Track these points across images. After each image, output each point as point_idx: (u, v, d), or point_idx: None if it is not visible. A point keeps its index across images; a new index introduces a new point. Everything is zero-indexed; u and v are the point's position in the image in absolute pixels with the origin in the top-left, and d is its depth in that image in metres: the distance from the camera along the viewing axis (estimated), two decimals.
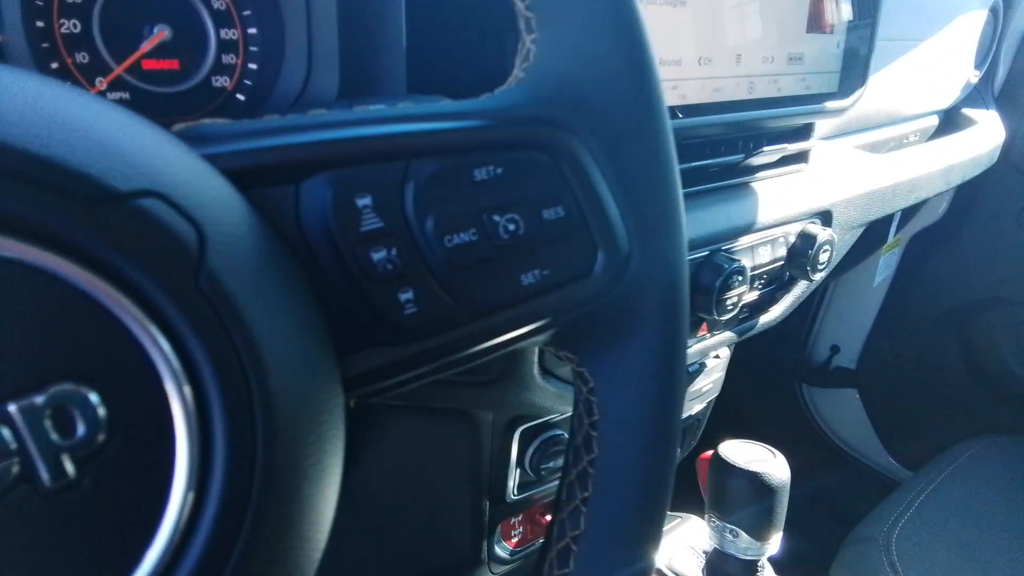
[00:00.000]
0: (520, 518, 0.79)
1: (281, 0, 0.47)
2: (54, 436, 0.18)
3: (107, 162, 0.19)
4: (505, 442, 0.73)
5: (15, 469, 0.17)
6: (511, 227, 0.29)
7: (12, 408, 0.17)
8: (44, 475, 0.18)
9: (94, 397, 0.19)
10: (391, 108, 0.28)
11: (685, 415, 0.95)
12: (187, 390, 0.20)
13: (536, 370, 0.58)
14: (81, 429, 0.18)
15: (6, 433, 0.17)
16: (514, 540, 0.79)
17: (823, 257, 0.77)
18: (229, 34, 0.46)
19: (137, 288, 0.19)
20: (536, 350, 0.58)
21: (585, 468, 0.33)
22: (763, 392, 1.76)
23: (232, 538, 0.20)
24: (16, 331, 0.18)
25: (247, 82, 0.47)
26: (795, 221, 0.77)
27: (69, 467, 0.18)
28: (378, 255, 0.27)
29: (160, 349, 0.19)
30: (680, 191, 0.33)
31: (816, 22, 0.72)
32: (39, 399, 0.18)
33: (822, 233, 0.76)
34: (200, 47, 0.46)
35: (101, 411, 0.19)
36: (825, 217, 0.80)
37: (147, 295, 0.19)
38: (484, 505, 0.75)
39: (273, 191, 0.26)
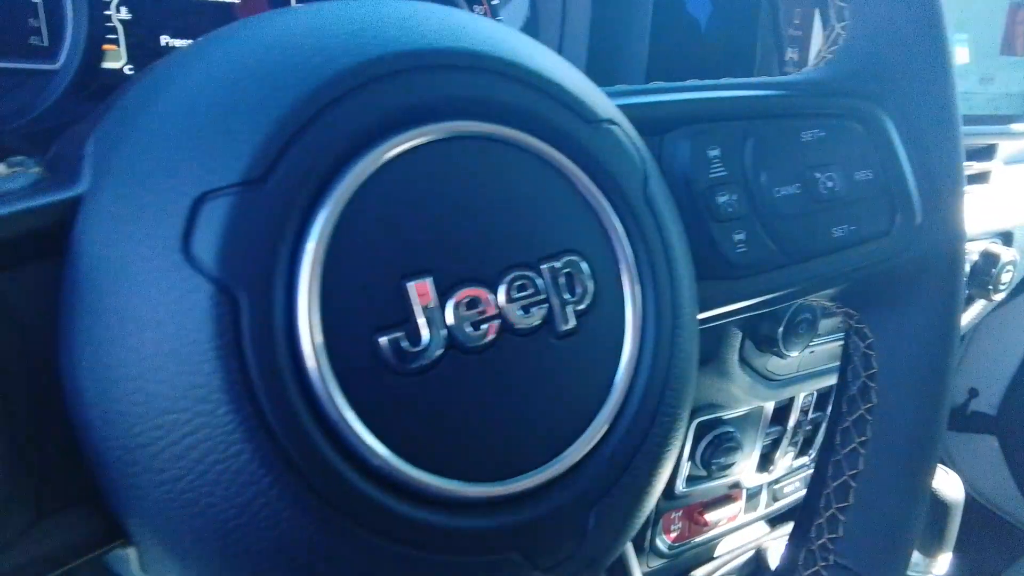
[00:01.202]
0: (680, 513, 0.81)
1: None
2: (566, 294, 0.23)
3: (590, 94, 0.25)
4: None
5: (542, 314, 0.23)
6: (829, 184, 0.33)
7: (544, 267, 0.23)
8: (559, 323, 0.23)
9: (585, 267, 0.24)
10: (731, 81, 0.33)
11: None
12: (634, 272, 0.25)
13: (736, 357, 0.61)
14: (579, 291, 0.23)
15: (540, 283, 0.23)
16: (673, 535, 0.81)
17: (1005, 278, 0.77)
18: (478, 11, 0.53)
19: (608, 190, 0.25)
20: (739, 336, 0.61)
21: (863, 415, 0.36)
22: None
23: (660, 381, 0.25)
24: (545, 211, 0.23)
25: None
26: (975, 239, 0.77)
27: (572, 319, 0.23)
28: (722, 199, 0.31)
29: (619, 238, 0.25)
30: (964, 164, 0.36)
31: (1009, 45, 0.74)
32: (558, 263, 0.23)
33: (1005, 253, 0.76)
34: None
35: (589, 281, 0.24)
36: (1006, 238, 0.80)
37: (613, 197, 0.25)
38: None
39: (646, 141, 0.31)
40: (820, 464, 0.38)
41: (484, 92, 0.22)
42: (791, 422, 0.79)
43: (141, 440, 0.19)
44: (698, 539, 0.84)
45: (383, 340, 0.20)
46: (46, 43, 0.43)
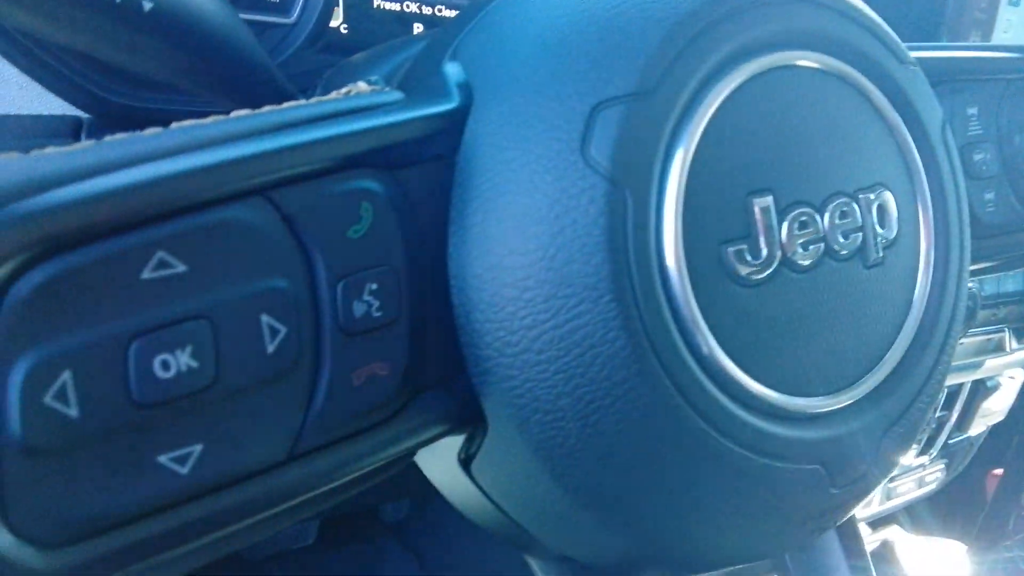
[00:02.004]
0: None
1: None
2: (878, 227, 0.24)
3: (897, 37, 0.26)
4: None
5: (856, 243, 0.24)
6: None
7: (861, 197, 0.24)
8: (871, 252, 0.24)
9: (892, 200, 0.25)
10: (982, 43, 0.33)
11: (962, 436, 0.93)
12: (931, 209, 0.26)
13: None
14: (887, 223, 0.25)
15: (857, 212, 0.24)
16: None
17: None
18: None
19: (913, 129, 0.26)
20: None
21: None
22: None
23: (947, 318, 0.26)
24: (862, 144, 0.24)
25: None
26: None
27: (880, 250, 0.24)
28: (978, 157, 0.32)
29: (921, 175, 0.26)
30: None
31: None
32: (872, 195, 0.24)
33: None
34: None
35: (894, 214, 0.25)
36: None
37: (918, 135, 0.26)
38: None
39: None
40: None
41: (827, 27, 0.24)
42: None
43: (527, 322, 0.20)
44: None
45: (730, 250, 0.22)
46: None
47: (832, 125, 0.24)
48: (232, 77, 0.32)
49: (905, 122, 0.25)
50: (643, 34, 0.21)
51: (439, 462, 0.26)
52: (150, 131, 0.18)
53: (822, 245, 0.23)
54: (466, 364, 0.22)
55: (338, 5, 0.49)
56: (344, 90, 0.24)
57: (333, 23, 0.49)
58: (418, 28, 0.52)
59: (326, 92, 0.37)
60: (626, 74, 0.21)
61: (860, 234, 0.24)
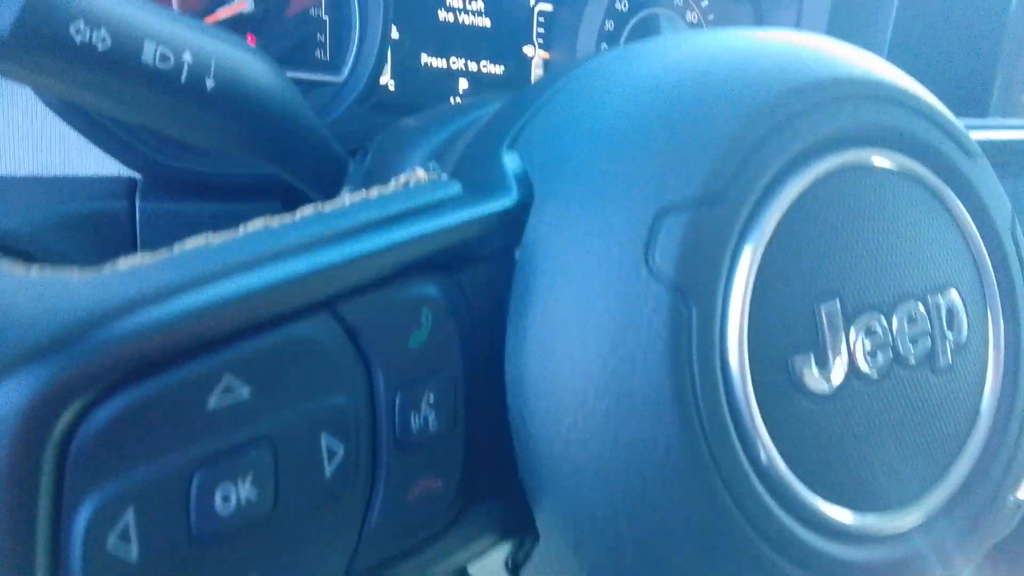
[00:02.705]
0: None
1: None
2: (948, 330, 0.23)
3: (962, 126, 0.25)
4: None
5: (925, 348, 0.23)
6: None
7: (929, 299, 0.23)
8: (940, 358, 0.23)
9: (960, 301, 0.24)
10: None
11: None
12: (999, 309, 0.25)
13: None
14: (956, 325, 0.24)
15: (925, 315, 0.23)
16: None
17: None
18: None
19: (982, 225, 0.25)
20: None
21: None
22: None
23: (1017, 427, 0.25)
24: (929, 242, 0.24)
25: None
26: None
27: (949, 355, 0.23)
28: None
29: (990, 274, 0.25)
30: None
31: None
32: (940, 296, 0.23)
33: None
34: None
35: (963, 315, 0.24)
36: None
37: (987, 232, 0.25)
38: None
39: None
40: None
41: (894, 122, 0.23)
42: None
43: (585, 436, 0.20)
44: None
45: (796, 360, 0.21)
46: (328, 57, 0.47)
47: (898, 223, 0.23)
48: (285, 145, 0.33)
49: (973, 217, 0.24)
50: (709, 135, 0.21)
51: (485, 567, 0.25)
52: (219, 238, 0.18)
53: (890, 352, 0.22)
54: (519, 471, 0.21)
55: (387, 62, 0.50)
56: (403, 179, 0.24)
57: (381, 80, 0.50)
58: (464, 83, 0.53)
59: (377, 158, 0.37)
60: (691, 178, 0.20)
61: (929, 339, 0.23)
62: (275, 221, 0.20)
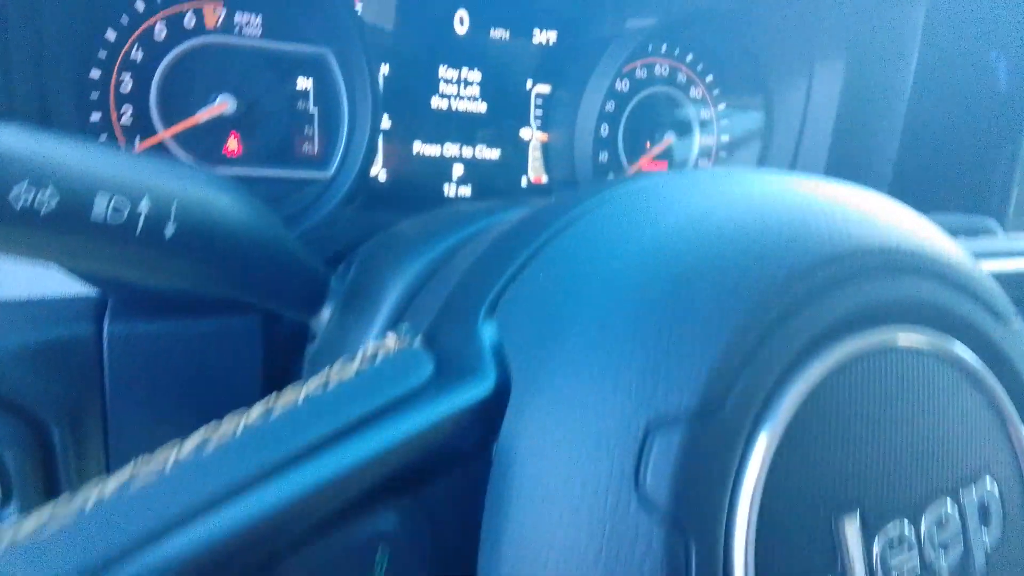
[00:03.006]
0: None
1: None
2: (983, 529, 0.21)
3: (997, 287, 0.23)
4: None
5: (958, 552, 0.20)
6: None
7: (962, 493, 0.20)
8: (974, 563, 0.20)
9: (997, 491, 0.21)
10: None
11: None
12: None
13: None
14: (992, 520, 0.21)
15: (956, 514, 0.20)
16: None
17: None
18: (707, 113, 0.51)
19: (1018, 399, 0.22)
20: None
21: None
22: None
23: None
24: (960, 426, 0.21)
25: None
26: None
27: (983, 557, 0.21)
28: None
29: None
30: None
31: None
32: (974, 489, 0.21)
33: None
34: None
35: (999, 508, 0.21)
36: None
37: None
38: None
39: None
40: None
41: (911, 293, 0.20)
42: None
43: None
44: None
45: None
46: (316, 151, 0.45)
47: (924, 407, 0.21)
48: (258, 277, 0.31)
49: (1008, 393, 0.22)
50: (706, 332, 0.18)
51: None
52: (143, 481, 0.16)
53: (918, 563, 0.20)
54: None
55: (377, 152, 0.48)
56: (371, 349, 0.22)
57: (372, 171, 0.48)
58: (458, 170, 0.51)
59: (361, 273, 0.35)
60: (687, 387, 0.18)
61: (961, 545, 0.20)
62: (213, 438, 0.18)
